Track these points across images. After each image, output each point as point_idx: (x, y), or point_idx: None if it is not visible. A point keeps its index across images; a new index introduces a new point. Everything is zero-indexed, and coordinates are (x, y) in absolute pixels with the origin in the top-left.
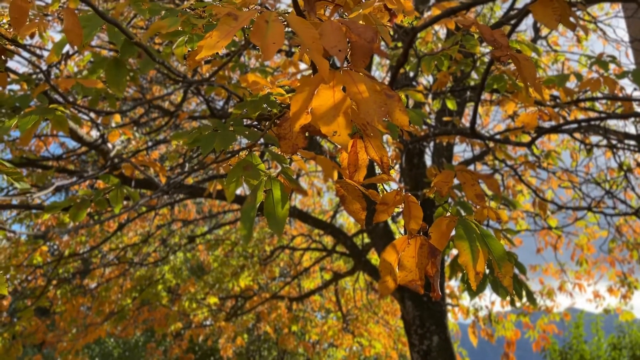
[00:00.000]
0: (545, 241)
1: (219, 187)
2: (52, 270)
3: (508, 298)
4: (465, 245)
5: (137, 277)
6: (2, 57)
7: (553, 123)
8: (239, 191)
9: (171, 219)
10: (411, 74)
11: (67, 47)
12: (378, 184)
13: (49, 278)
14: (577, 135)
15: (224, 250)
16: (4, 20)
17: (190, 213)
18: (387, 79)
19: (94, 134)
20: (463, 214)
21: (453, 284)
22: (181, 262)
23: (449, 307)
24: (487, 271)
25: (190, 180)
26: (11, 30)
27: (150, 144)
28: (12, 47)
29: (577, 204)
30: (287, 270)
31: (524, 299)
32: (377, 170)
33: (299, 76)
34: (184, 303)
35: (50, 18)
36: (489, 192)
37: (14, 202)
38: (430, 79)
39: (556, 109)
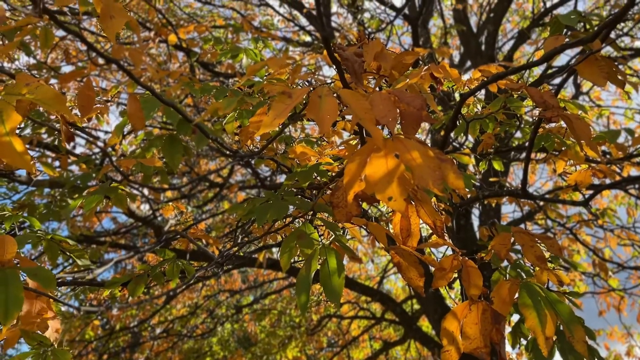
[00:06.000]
0: (607, 303)
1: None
2: (103, 344)
3: None
4: (532, 310)
5: (185, 349)
6: (70, 142)
7: (607, 180)
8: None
9: (218, 289)
10: (452, 135)
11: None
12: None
13: (100, 353)
14: (633, 191)
15: (271, 320)
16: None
17: (236, 282)
18: (428, 140)
19: (144, 207)
20: (523, 277)
21: (510, 350)
22: (228, 334)
23: None
24: (555, 337)
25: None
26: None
27: (200, 216)
28: (72, 130)
29: (637, 262)
30: (335, 340)
31: None
32: (423, 233)
33: (338, 142)
34: None
35: (106, 100)
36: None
37: (69, 278)
38: (470, 138)
39: (607, 165)
